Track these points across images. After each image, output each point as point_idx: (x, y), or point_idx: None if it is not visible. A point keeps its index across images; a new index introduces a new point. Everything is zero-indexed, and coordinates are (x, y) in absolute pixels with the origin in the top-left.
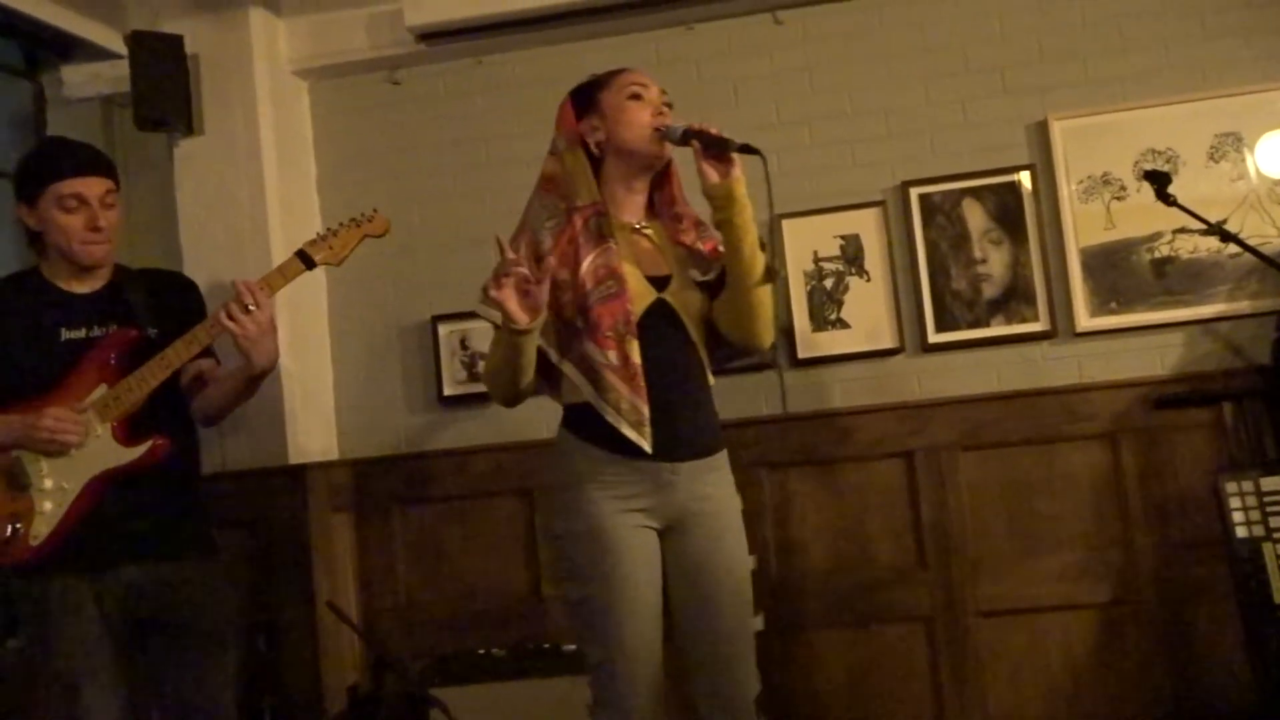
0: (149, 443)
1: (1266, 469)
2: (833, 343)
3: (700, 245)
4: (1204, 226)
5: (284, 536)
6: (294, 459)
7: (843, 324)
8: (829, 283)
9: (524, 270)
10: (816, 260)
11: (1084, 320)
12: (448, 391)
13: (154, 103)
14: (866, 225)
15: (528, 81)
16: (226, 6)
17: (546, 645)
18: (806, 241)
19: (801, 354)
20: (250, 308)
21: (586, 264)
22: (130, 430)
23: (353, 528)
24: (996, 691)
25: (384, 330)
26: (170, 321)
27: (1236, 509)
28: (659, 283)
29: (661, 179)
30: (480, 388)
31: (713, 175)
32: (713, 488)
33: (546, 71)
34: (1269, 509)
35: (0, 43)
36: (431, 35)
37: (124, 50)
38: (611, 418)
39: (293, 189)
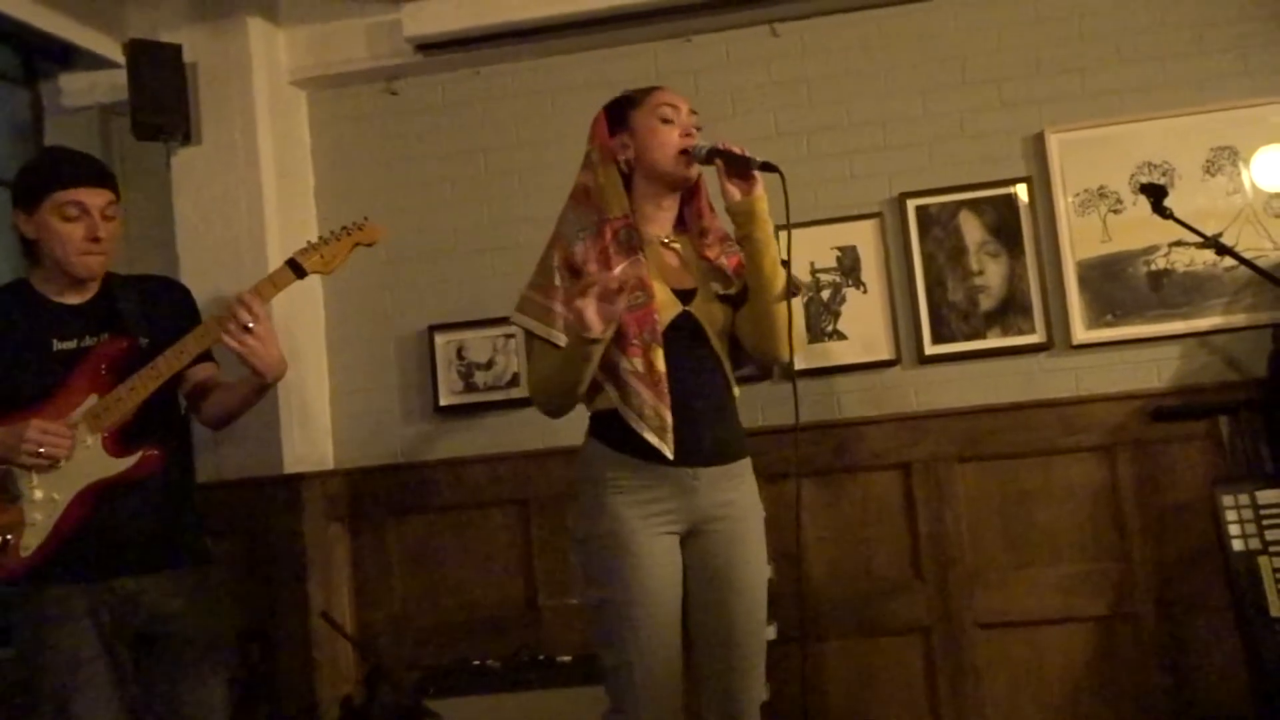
0: (139, 453)
1: (1263, 482)
2: (829, 354)
3: (724, 260)
4: (1200, 239)
5: (278, 546)
6: (289, 469)
7: (839, 335)
8: (826, 294)
9: (612, 284)
10: (813, 271)
11: (1080, 333)
12: (444, 401)
13: (152, 112)
14: (863, 237)
15: (526, 92)
16: (225, 16)
17: (542, 657)
18: (803, 253)
19: (798, 365)
20: (249, 325)
21: (616, 274)
22: (121, 441)
23: (348, 538)
24: (994, 703)
25: (380, 340)
26: (162, 329)
27: (1233, 522)
28: (685, 295)
29: (690, 194)
30: (476, 398)
31: (735, 193)
32: (735, 495)
33: (544, 82)
34: (1265, 522)
35: None
36: (430, 46)
37: (122, 59)
38: (635, 423)
39: (291, 199)
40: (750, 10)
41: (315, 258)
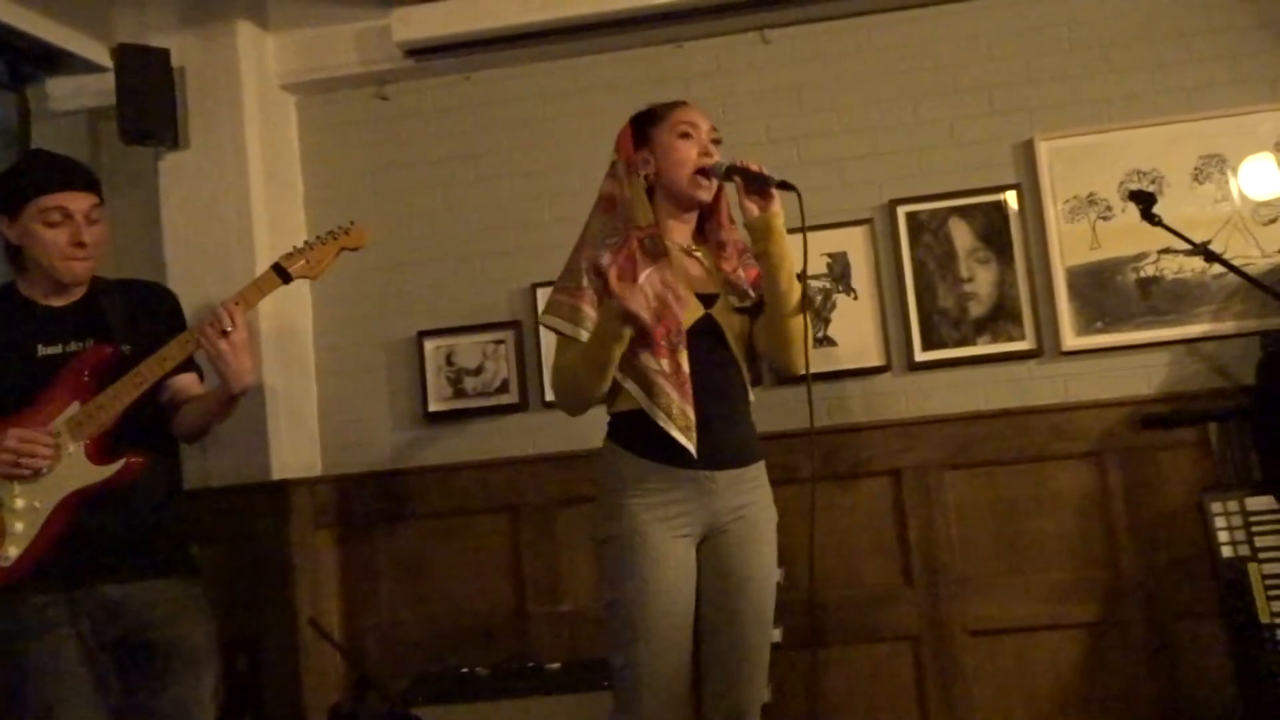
0: (123, 461)
1: (1252, 489)
2: (819, 360)
3: (741, 273)
4: (1189, 247)
5: (266, 553)
6: (277, 475)
7: (829, 341)
8: (816, 300)
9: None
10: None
11: (1070, 339)
12: (433, 408)
13: (140, 116)
14: (854, 243)
15: (516, 98)
16: (214, 20)
17: (530, 664)
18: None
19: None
20: (227, 329)
21: (643, 278)
22: (104, 448)
23: (336, 545)
24: (984, 711)
25: (369, 346)
26: (147, 336)
27: (1222, 529)
28: (707, 300)
29: (710, 208)
30: (465, 404)
31: (753, 209)
32: (749, 497)
33: (535, 88)
34: (1254, 529)
35: None
36: (420, 51)
37: (110, 63)
38: (663, 422)
39: (279, 204)
40: (741, 17)
41: (301, 263)
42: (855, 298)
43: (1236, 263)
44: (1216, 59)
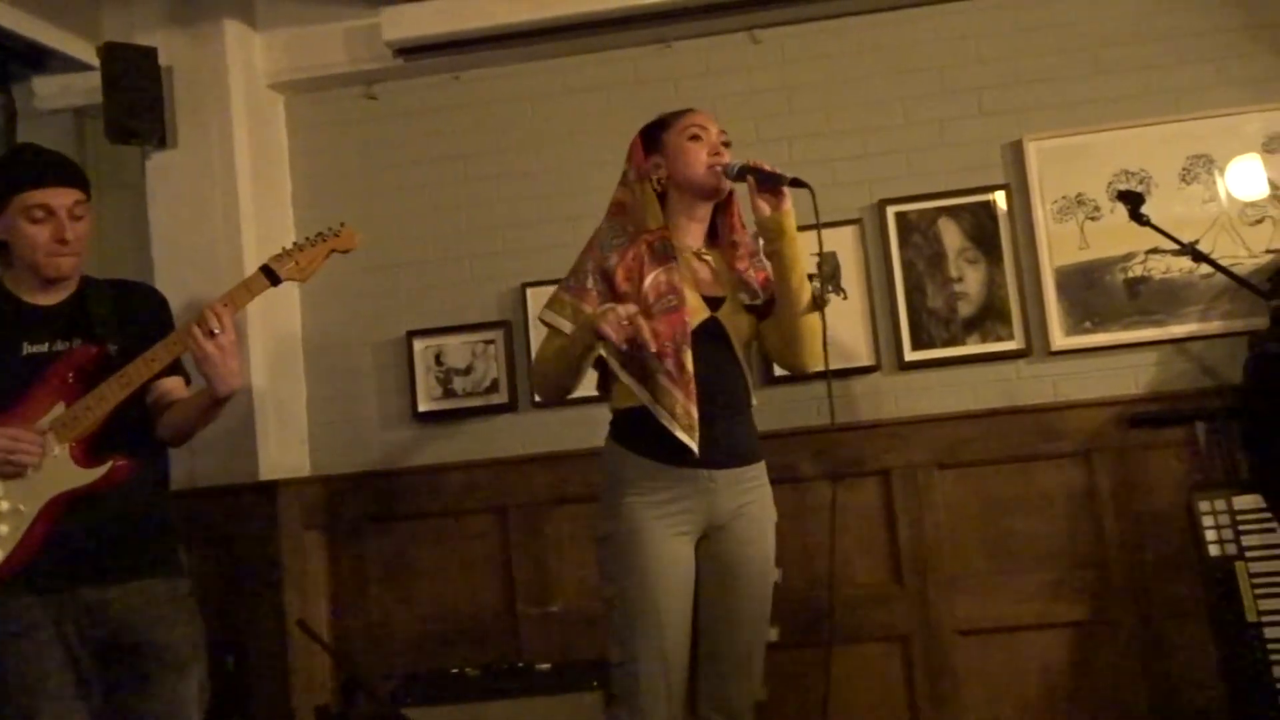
0: (109, 464)
1: (1239, 488)
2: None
3: (752, 273)
4: (1177, 247)
5: (254, 554)
6: (265, 475)
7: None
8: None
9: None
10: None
11: (1059, 339)
12: (422, 408)
13: (127, 115)
14: (844, 243)
15: (505, 98)
16: (202, 19)
17: (520, 664)
18: None
19: (777, 371)
20: (215, 331)
21: (649, 280)
22: (90, 450)
23: (324, 545)
24: (973, 710)
25: (358, 346)
26: (134, 337)
27: (1209, 527)
28: (713, 303)
29: (723, 208)
30: (455, 404)
31: (764, 209)
32: (749, 497)
33: (524, 88)
34: (1241, 528)
35: None
36: (409, 50)
37: (97, 62)
38: (666, 420)
39: (267, 204)
40: (731, 17)
41: (290, 265)
42: (845, 298)
43: (1224, 263)
44: (1203, 60)
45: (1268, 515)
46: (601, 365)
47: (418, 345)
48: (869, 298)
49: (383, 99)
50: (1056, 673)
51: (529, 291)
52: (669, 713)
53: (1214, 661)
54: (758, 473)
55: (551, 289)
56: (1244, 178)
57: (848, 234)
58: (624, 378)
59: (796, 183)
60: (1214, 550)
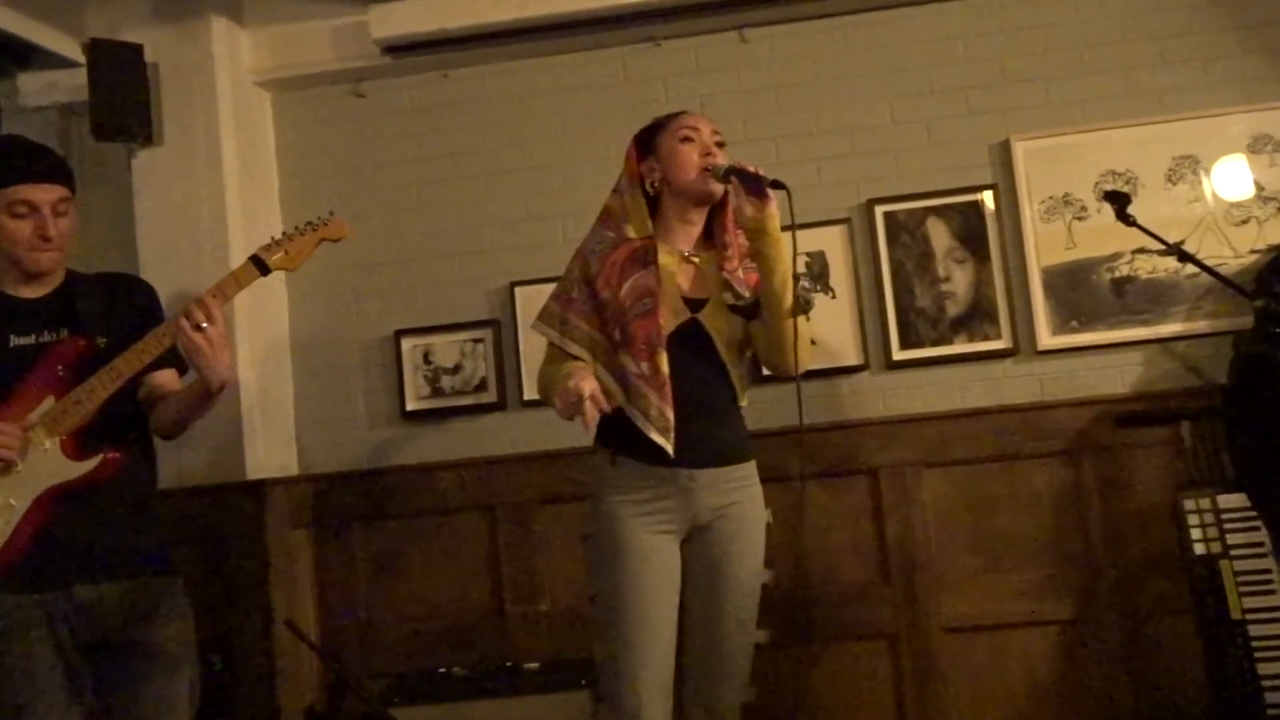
0: (100, 456)
1: (1224, 487)
2: None
3: (741, 274)
4: (1163, 247)
5: (241, 553)
6: (252, 474)
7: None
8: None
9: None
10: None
11: (1045, 339)
12: (410, 406)
13: (112, 112)
14: (832, 243)
15: (494, 96)
16: (188, 15)
17: (509, 664)
18: None
19: (765, 370)
20: (202, 325)
21: (627, 285)
22: (81, 443)
23: (312, 545)
24: (959, 707)
25: (346, 344)
26: (123, 329)
27: (1195, 526)
28: (695, 304)
29: (718, 210)
30: (443, 403)
31: (748, 209)
32: (734, 497)
33: (513, 86)
34: (1226, 526)
35: None
36: (397, 48)
37: (82, 58)
38: (641, 423)
39: (254, 202)
40: (720, 16)
41: (280, 254)
42: (833, 297)
43: (1209, 263)
44: (1189, 61)
45: (1252, 514)
46: None
47: (406, 344)
48: (857, 297)
49: (370, 97)
50: (1043, 670)
51: (518, 290)
52: (653, 709)
53: (1199, 658)
54: (745, 473)
55: (540, 287)
56: (1229, 178)
57: (836, 233)
58: (604, 379)
59: (775, 184)
60: (1199, 548)
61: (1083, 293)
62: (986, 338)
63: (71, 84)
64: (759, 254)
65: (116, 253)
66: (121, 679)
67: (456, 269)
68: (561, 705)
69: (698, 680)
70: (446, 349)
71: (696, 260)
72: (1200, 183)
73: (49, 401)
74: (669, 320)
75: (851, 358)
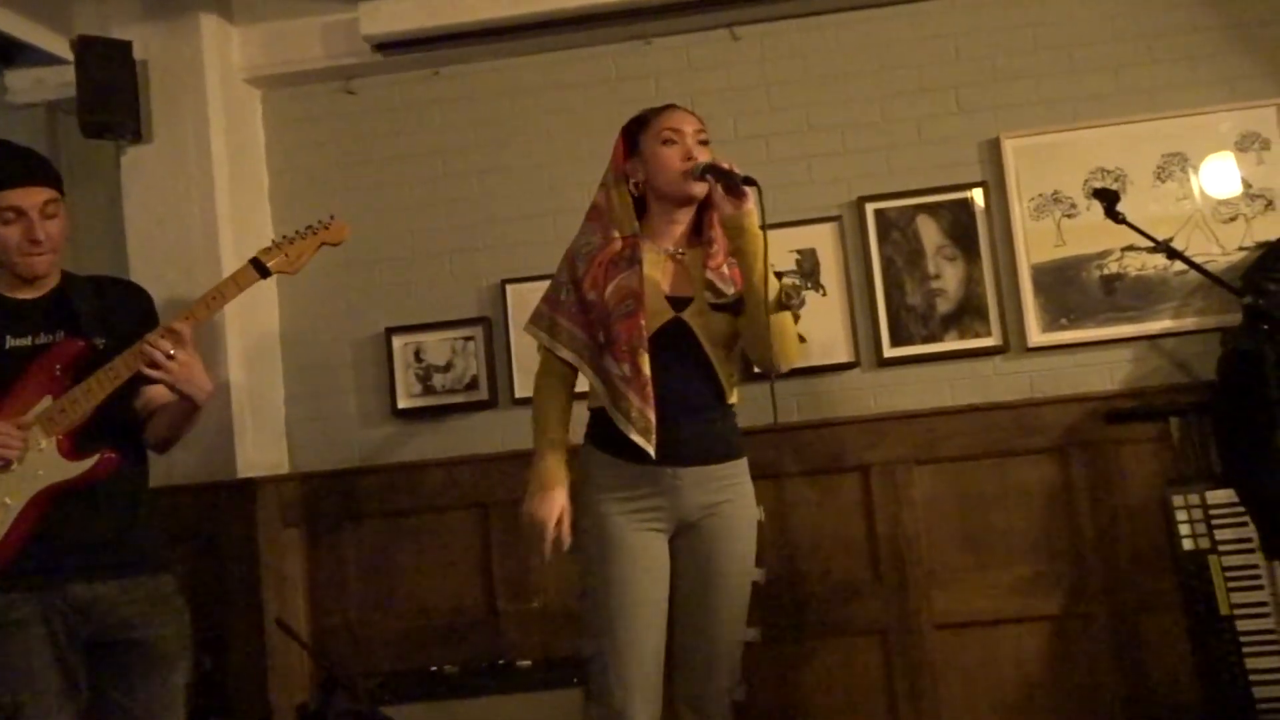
0: (97, 456)
1: (1212, 483)
2: None
3: (726, 271)
4: (1151, 244)
5: (232, 552)
6: (243, 473)
7: (799, 338)
8: (799, 301)
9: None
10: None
11: (1035, 336)
12: (401, 404)
13: (101, 109)
14: (823, 240)
15: (484, 94)
16: (177, 12)
17: (500, 662)
18: None
19: (756, 368)
20: (159, 363)
21: (612, 286)
22: (77, 443)
23: (303, 543)
24: (950, 703)
25: (337, 342)
26: (119, 331)
27: (1183, 522)
28: (679, 303)
29: (707, 206)
30: (434, 400)
31: (726, 207)
32: (723, 495)
33: (503, 84)
34: (1214, 522)
35: None
36: (387, 45)
37: (70, 55)
38: (622, 424)
39: (244, 199)
40: (710, 14)
41: (280, 257)
42: (824, 294)
43: (1198, 260)
44: (1177, 60)
45: (1240, 510)
46: (572, 369)
47: (397, 342)
48: (848, 294)
49: (361, 94)
50: (1033, 666)
51: (509, 288)
52: (640, 706)
53: (1188, 654)
54: (732, 471)
55: (531, 285)
56: (1217, 176)
57: (826, 231)
58: (590, 379)
59: (747, 180)
60: (1188, 544)
61: (1072, 290)
62: (976, 335)
63: (60, 81)
64: (739, 251)
65: (105, 250)
66: (117, 677)
67: (447, 266)
68: (554, 703)
69: (687, 678)
70: (438, 347)
71: (683, 257)
72: (1189, 180)
73: (46, 401)
74: (651, 320)
75: (842, 355)
